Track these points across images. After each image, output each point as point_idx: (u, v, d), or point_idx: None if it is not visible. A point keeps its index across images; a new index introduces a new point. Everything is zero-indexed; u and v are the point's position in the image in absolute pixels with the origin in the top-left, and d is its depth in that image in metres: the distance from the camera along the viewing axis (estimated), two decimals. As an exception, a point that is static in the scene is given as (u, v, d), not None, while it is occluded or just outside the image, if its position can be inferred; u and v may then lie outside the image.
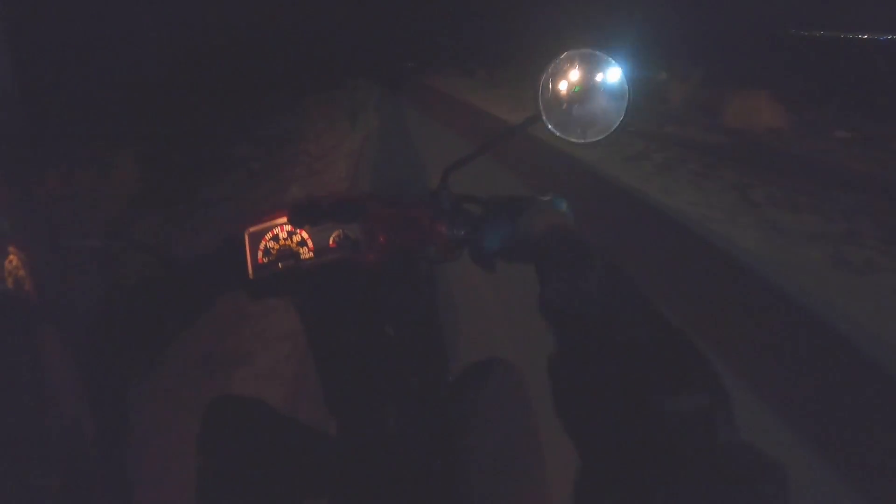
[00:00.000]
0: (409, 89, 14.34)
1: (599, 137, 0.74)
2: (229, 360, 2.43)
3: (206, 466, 0.71)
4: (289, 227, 0.79)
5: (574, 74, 0.75)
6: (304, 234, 0.79)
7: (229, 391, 2.21)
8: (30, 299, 0.42)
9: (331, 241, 0.78)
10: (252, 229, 0.80)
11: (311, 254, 0.79)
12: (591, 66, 0.75)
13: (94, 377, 0.62)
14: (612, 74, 0.74)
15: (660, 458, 0.36)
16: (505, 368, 0.80)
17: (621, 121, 0.74)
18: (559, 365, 0.50)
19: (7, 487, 0.36)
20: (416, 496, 0.69)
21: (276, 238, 0.79)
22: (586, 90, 0.75)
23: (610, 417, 0.42)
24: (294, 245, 0.79)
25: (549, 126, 0.73)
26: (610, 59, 0.74)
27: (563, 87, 0.75)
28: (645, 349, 0.45)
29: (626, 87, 0.74)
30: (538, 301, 0.57)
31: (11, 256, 0.42)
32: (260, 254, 0.79)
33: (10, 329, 0.40)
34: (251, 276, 0.78)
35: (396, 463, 0.71)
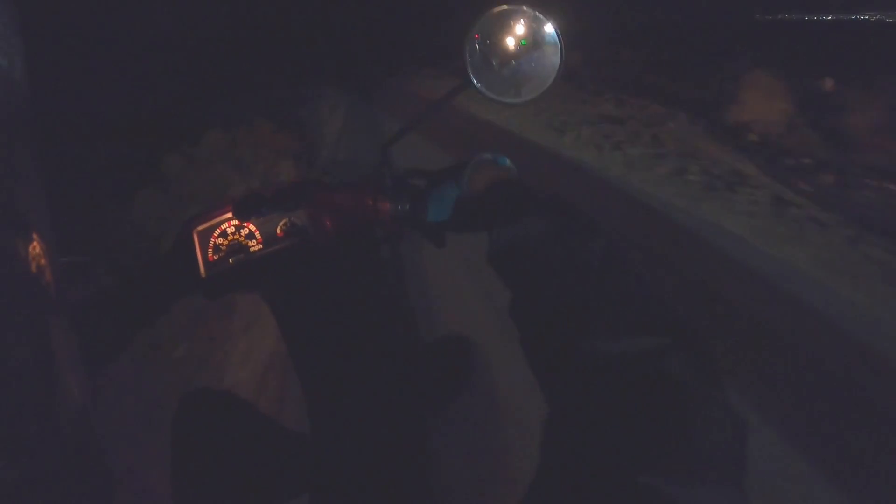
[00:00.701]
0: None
1: (533, 95, 0.73)
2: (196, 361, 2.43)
3: (179, 462, 0.72)
4: (235, 222, 0.79)
5: (502, 33, 0.73)
6: (252, 227, 0.79)
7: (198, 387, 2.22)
8: (47, 289, 0.42)
9: (278, 231, 0.78)
10: (199, 228, 0.79)
11: (260, 245, 0.78)
12: (518, 23, 0.73)
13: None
14: (543, 29, 0.73)
15: (617, 405, 0.36)
16: (470, 356, 0.81)
17: (555, 76, 0.73)
18: (516, 322, 0.50)
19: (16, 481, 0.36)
20: (391, 486, 0.71)
21: (224, 234, 0.79)
22: (516, 48, 0.74)
23: (566, 366, 0.41)
24: (242, 239, 0.79)
25: (482, 89, 0.72)
26: (537, 13, 0.72)
27: (491, 47, 0.73)
28: (599, 292, 0.44)
29: (558, 40, 0.73)
30: (486, 256, 0.56)
31: (35, 243, 0.42)
32: (210, 251, 0.78)
33: (25, 315, 0.40)
34: (203, 275, 0.78)
35: (371, 452, 0.73)
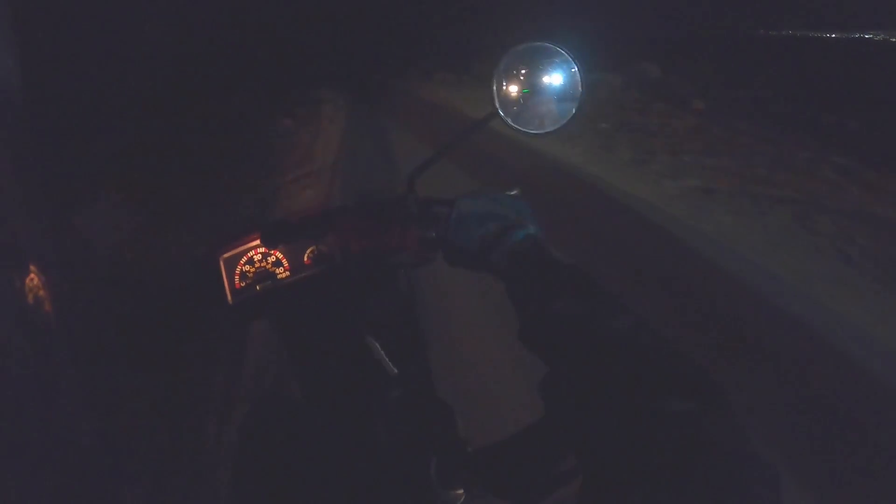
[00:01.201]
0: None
1: (556, 127, 0.76)
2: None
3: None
4: (262, 249, 0.79)
5: (527, 67, 0.77)
6: (279, 254, 0.80)
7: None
8: (47, 319, 0.43)
9: (305, 258, 0.79)
10: (226, 255, 0.80)
11: (288, 273, 0.79)
12: (543, 58, 0.77)
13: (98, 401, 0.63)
14: (565, 65, 0.77)
15: (653, 463, 0.36)
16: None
17: (576, 109, 0.77)
18: (548, 387, 0.50)
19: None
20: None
21: (251, 261, 0.79)
22: (540, 82, 0.78)
23: (603, 427, 0.42)
24: (269, 266, 0.79)
25: (508, 120, 0.75)
26: (560, 49, 0.76)
27: (517, 80, 0.77)
28: (627, 356, 0.45)
29: (578, 76, 0.76)
30: (518, 332, 0.57)
31: (32, 275, 0.43)
32: (237, 278, 0.79)
33: (29, 345, 0.41)
34: (230, 302, 0.78)
35: (385, 475, 0.72)
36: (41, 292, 0.44)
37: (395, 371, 0.79)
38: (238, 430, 0.75)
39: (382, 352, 0.79)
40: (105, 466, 0.51)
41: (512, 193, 0.76)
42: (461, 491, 0.72)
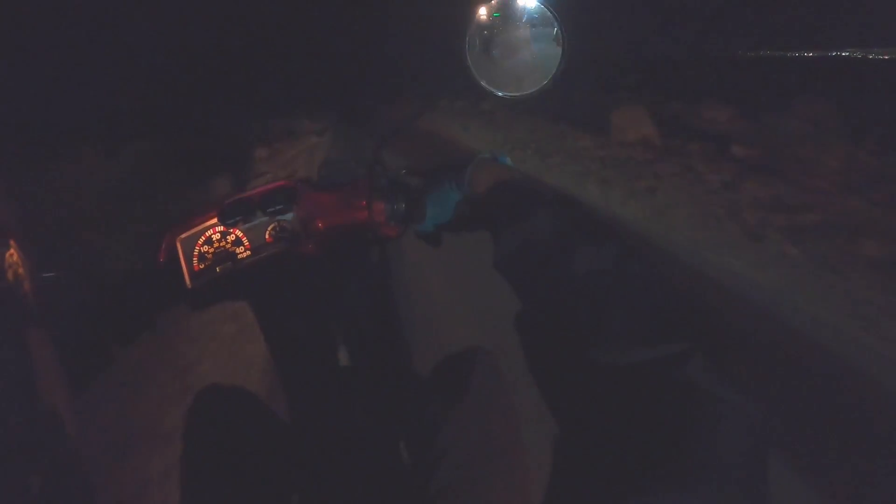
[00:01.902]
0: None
1: (534, 89, 0.71)
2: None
3: (187, 457, 0.71)
4: (221, 228, 0.75)
5: (503, 24, 0.72)
6: (238, 233, 0.75)
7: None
8: (27, 299, 0.41)
9: (266, 236, 0.75)
10: (183, 235, 0.75)
11: (248, 252, 0.75)
12: (520, 13, 0.72)
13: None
14: (545, 20, 0.71)
15: (635, 414, 0.35)
16: (479, 359, 0.77)
17: (557, 69, 0.71)
18: (524, 329, 0.48)
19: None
20: (388, 491, 0.68)
21: (209, 241, 0.75)
22: (518, 40, 0.72)
23: (583, 379, 0.40)
24: (229, 245, 0.75)
25: (482, 82, 0.70)
26: (541, 3, 0.71)
27: (492, 39, 0.71)
28: (614, 298, 0.42)
29: (560, 32, 0.71)
30: (493, 262, 0.54)
31: (12, 251, 0.41)
32: (195, 260, 0.75)
33: (2, 324, 0.39)
34: (189, 286, 0.74)
35: (367, 457, 0.70)
36: (20, 270, 0.42)
37: (373, 353, 0.77)
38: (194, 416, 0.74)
39: (358, 333, 0.77)
40: (81, 457, 0.49)
41: (485, 156, 0.72)
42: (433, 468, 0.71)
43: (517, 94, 0.73)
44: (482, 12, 0.70)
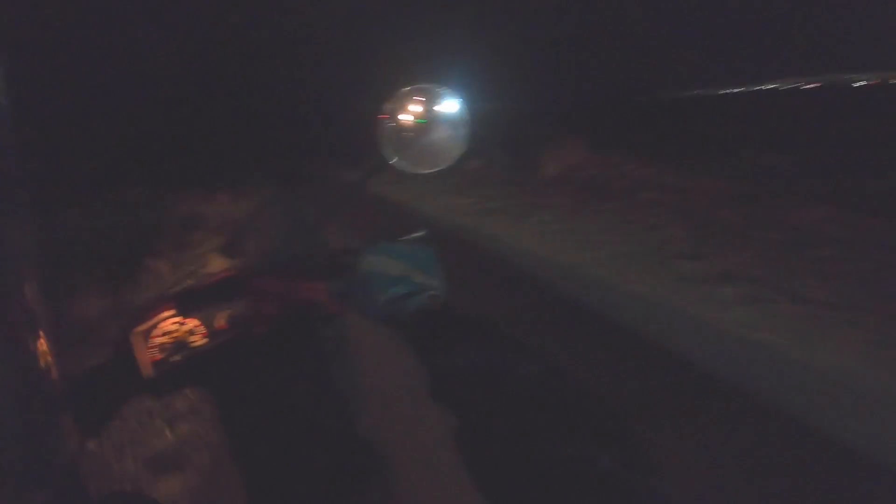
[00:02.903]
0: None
1: (446, 165, 0.79)
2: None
3: None
4: (177, 319, 0.77)
5: (415, 109, 0.79)
6: (193, 322, 0.78)
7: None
8: (54, 386, 0.43)
9: (221, 323, 0.78)
10: (138, 329, 0.76)
11: (205, 339, 0.77)
12: (431, 99, 0.80)
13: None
14: (452, 105, 0.79)
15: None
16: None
17: (465, 146, 0.79)
18: (461, 443, 0.50)
19: None
20: None
21: (166, 332, 0.77)
22: (430, 122, 0.80)
23: (518, 481, 0.42)
24: (185, 335, 0.77)
25: (398, 165, 0.76)
26: (446, 90, 0.79)
27: (407, 122, 0.79)
28: (540, 413, 0.46)
29: (465, 115, 0.79)
30: (423, 384, 0.56)
31: (42, 340, 0.43)
32: (154, 351, 0.76)
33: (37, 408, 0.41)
34: (148, 375, 0.74)
35: None
36: (49, 358, 0.44)
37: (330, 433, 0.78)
38: None
39: (314, 413, 0.78)
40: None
41: (417, 235, 0.76)
42: None
43: (432, 170, 0.80)
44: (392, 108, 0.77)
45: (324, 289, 0.76)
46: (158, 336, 0.76)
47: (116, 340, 0.77)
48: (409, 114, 0.80)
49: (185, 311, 0.77)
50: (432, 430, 2.07)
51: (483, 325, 0.58)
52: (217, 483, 1.97)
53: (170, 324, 0.77)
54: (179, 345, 0.76)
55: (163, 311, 0.77)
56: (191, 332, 0.77)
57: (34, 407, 0.42)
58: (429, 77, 0.80)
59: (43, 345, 0.43)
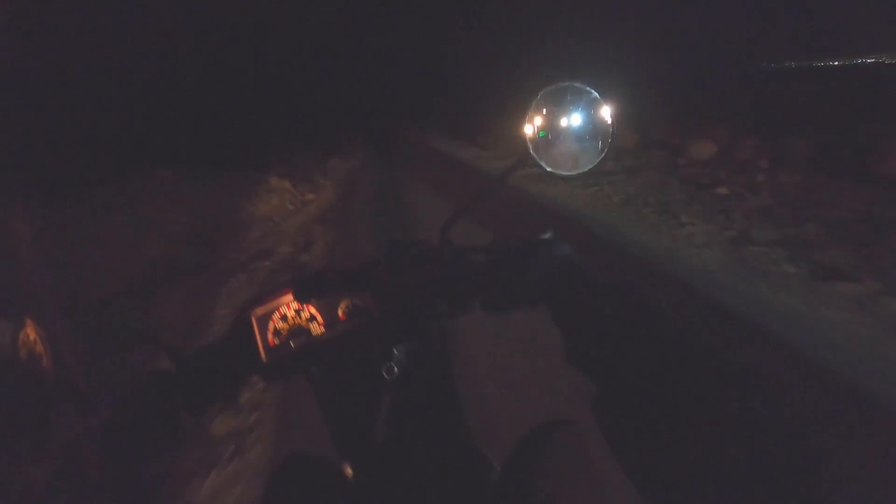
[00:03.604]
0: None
1: (588, 168, 0.75)
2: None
3: None
4: (296, 305, 0.78)
5: (557, 109, 0.76)
6: (312, 310, 0.78)
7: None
8: (47, 376, 0.42)
9: (340, 313, 0.77)
10: (259, 311, 0.78)
11: (323, 328, 0.77)
12: (572, 98, 0.76)
13: (113, 461, 0.61)
14: (594, 104, 0.75)
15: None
16: (563, 432, 0.75)
17: (608, 148, 0.75)
18: (603, 409, 0.49)
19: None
20: None
21: (284, 317, 0.78)
22: (570, 122, 0.76)
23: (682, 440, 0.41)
24: (304, 322, 0.77)
25: (542, 163, 0.73)
26: (590, 89, 0.75)
27: (548, 122, 0.76)
28: (687, 361, 0.45)
29: (609, 113, 0.75)
30: (564, 355, 0.56)
31: (28, 330, 0.42)
32: (270, 335, 0.77)
33: (20, 401, 0.40)
34: (264, 360, 0.76)
35: None
36: (38, 347, 0.43)
37: (435, 429, 0.76)
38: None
39: (420, 409, 0.76)
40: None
41: (545, 237, 0.74)
42: None
43: (571, 173, 0.76)
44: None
45: (452, 285, 0.75)
46: (277, 321, 0.77)
47: (235, 321, 0.78)
48: (551, 115, 0.77)
49: (304, 298, 0.77)
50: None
51: (624, 290, 0.57)
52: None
53: (289, 309, 0.78)
54: (297, 331, 0.76)
55: (283, 295, 0.78)
56: (310, 320, 0.77)
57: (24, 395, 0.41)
58: (580, 76, 0.77)
59: (30, 334, 0.42)
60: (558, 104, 0.76)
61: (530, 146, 0.73)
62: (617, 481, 0.53)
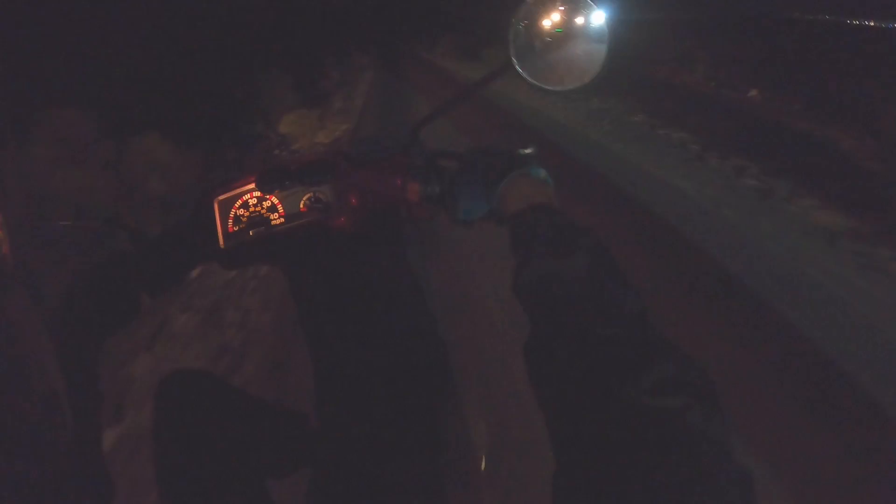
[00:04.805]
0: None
1: (577, 84, 0.70)
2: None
3: (162, 450, 0.68)
4: (258, 194, 0.77)
5: (550, 16, 0.70)
6: (274, 200, 0.77)
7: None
8: (5, 261, 0.40)
9: (301, 205, 0.77)
10: (221, 197, 0.78)
11: (282, 219, 0.77)
12: (568, 7, 0.70)
13: (67, 349, 0.61)
14: (592, 16, 0.69)
15: (630, 456, 0.36)
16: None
17: (601, 66, 0.70)
18: (533, 353, 0.48)
19: None
20: (400, 486, 0.69)
21: (245, 205, 0.77)
22: (564, 34, 0.71)
23: (584, 413, 0.40)
24: (264, 211, 0.77)
25: (523, 73, 0.69)
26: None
27: (537, 31, 0.70)
28: (626, 342, 0.43)
29: (606, 29, 0.69)
30: (513, 284, 0.53)
31: None
32: (230, 222, 0.77)
33: None
34: (222, 245, 0.76)
35: (381, 450, 0.72)
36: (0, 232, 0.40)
37: (396, 325, 0.77)
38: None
39: (382, 313, 0.77)
40: (75, 449, 0.49)
41: (526, 152, 0.70)
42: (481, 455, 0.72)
43: (557, 88, 0.71)
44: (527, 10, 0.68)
45: (417, 189, 0.73)
46: (238, 208, 0.77)
47: (197, 205, 0.78)
48: (547, 19, 0.71)
49: (266, 188, 0.76)
50: (506, 342, 2.13)
51: (590, 236, 0.54)
52: (282, 369, 2.13)
53: (251, 197, 0.77)
54: (257, 219, 0.77)
55: (246, 183, 0.77)
56: (271, 209, 0.77)
57: None
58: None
59: None
60: (550, 12, 0.70)
61: (513, 52, 0.68)
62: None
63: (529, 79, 0.69)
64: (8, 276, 0.39)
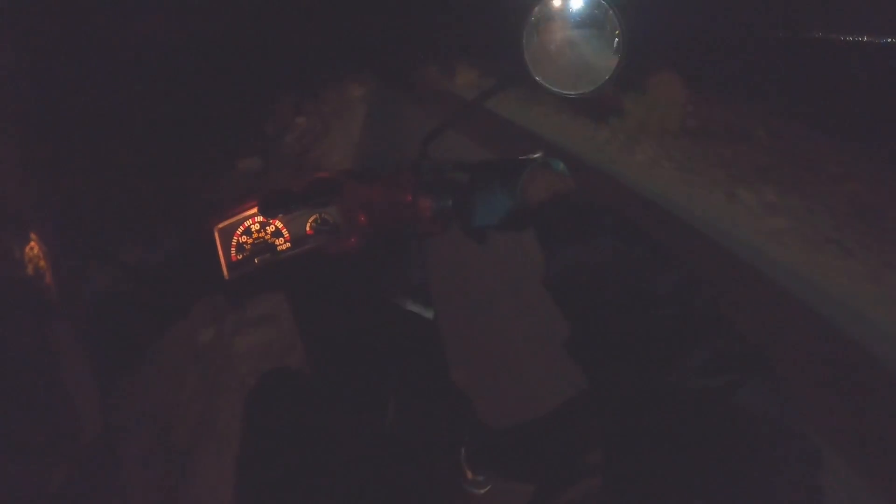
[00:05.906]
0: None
1: (591, 88, 0.68)
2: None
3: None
4: (261, 219, 0.73)
5: (561, 20, 0.68)
6: (279, 224, 0.73)
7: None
8: (47, 292, 0.41)
9: (307, 228, 0.73)
10: (221, 225, 0.74)
11: (288, 244, 0.73)
12: (580, 10, 0.68)
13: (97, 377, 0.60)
14: (604, 17, 0.67)
15: (680, 440, 0.35)
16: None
17: (616, 69, 0.67)
18: (574, 348, 0.46)
19: (12, 483, 0.35)
20: (417, 492, 0.66)
21: (248, 231, 0.73)
22: (576, 37, 0.69)
23: (633, 406, 0.39)
24: (269, 237, 0.73)
25: (538, 79, 0.66)
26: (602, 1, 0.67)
27: (549, 34, 0.68)
28: (664, 325, 0.41)
29: (619, 30, 0.67)
30: (543, 279, 0.52)
31: (33, 244, 0.41)
32: (233, 251, 0.73)
33: (23, 319, 0.39)
34: (226, 277, 0.72)
35: (396, 457, 0.68)
36: (41, 263, 0.41)
37: (408, 351, 0.74)
38: (243, 415, 0.71)
39: (393, 330, 0.74)
40: (107, 454, 0.49)
41: (535, 157, 0.68)
42: (484, 479, 0.69)
43: (571, 93, 0.69)
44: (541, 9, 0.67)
45: (427, 204, 0.70)
46: (240, 235, 0.73)
47: (197, 235, 0.74)
48: (553, 26, 0.69)
49: (270, 212, 0.72)
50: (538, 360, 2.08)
51: (620, 218, 0.52)
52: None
53: (254, 223, 0.73)
54: (261, 246, 0.72)
55: (248, 208, 0.73)
56: (275, 235, 0.73)
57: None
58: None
59: (34, 248, 0.40)
60: (564, 16, 0.68)
61: (527, 58, 0.66)
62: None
63: (543, 83, 0.66)
64: (52, 307, 0.40)
